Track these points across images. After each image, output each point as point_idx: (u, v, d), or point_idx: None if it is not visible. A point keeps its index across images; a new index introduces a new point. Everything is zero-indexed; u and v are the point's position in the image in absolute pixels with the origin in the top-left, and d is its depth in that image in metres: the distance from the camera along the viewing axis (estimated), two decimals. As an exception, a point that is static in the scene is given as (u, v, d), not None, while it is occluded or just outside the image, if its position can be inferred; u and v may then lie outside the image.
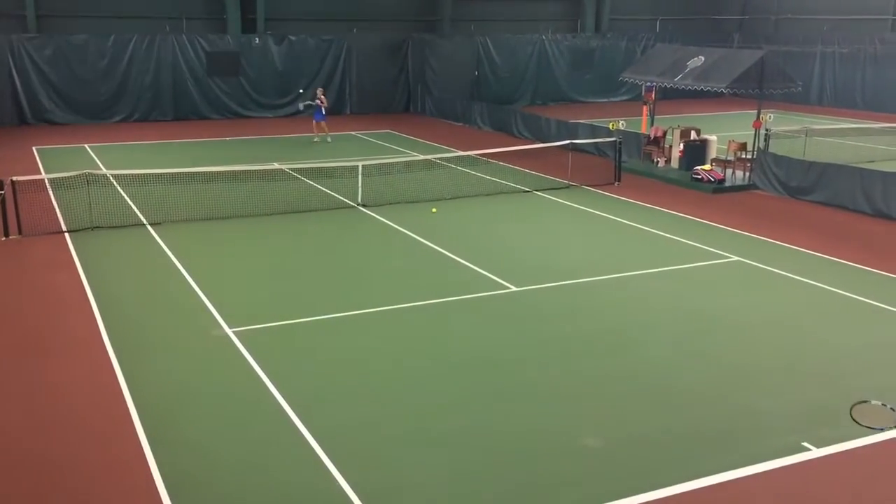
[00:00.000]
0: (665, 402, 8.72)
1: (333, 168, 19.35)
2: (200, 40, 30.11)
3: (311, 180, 19.28)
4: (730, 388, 9.03)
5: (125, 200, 17.15)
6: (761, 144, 19.48)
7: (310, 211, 16.66)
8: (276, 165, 19.77)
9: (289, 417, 8.26)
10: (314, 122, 25.71)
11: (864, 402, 5.42)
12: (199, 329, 10.56)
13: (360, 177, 17.56)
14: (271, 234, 15.26)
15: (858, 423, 5.42)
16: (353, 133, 27.82)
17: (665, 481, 7.15)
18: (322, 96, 25.82)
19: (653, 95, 22.66)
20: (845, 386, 9.08)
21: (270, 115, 31.22)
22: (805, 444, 7.79)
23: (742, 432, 8.08)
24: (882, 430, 5.37)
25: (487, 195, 18.30)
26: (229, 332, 10.43)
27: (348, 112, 32.52)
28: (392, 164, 20.08)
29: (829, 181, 17.57)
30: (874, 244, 14.70)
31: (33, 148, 23.89)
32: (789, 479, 7.30)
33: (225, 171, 18.51)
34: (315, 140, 25.59)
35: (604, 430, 8.10)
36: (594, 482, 7.21)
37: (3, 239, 14.45)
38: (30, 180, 15.79)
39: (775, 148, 19.52)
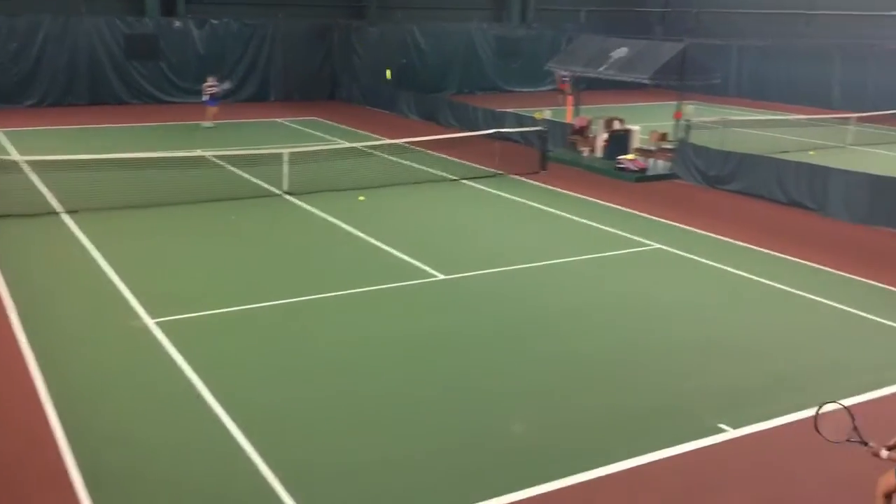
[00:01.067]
0: (586, 388, 8.89)
1: (258, 155, 19.04)
2: (118, 22, 29.16)
3: (235, 168, 18.92)
4: (649, 373, 9.25)
5: (38, 188, 16.52)
6: (682, 135, 19.96)
7: (234, 199, 16.36)
8: (198, 152, 19.32)
9: (211, 408, 8.11)
10: (207, 107, 25.28)
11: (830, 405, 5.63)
12: (117, 320, 10.26)
13: (285, 164, 17.32)
14: (194, 222, 14.93)
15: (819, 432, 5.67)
16: (277, 120, 27.40)
17: (586, 465, 7.29)
18: (215, 82, 25.42)
19: (568, 85, 22.91)
20: (761, 368, 9.41)
21: (192, 101, 30.47)
22: (721, 425, 8.05)
23: (661, 415, 8.29)
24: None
25: (415, 183, 18.28)
26: (150, 322, 10.17)
27: (272, 99, 31.97)
28: (318, 151, 19.85)
29: (747, 171, 18.12)
30: (789, 232, 15.24)
31: (-61, 132, 22.83)
32: (707, 459, 7.52)
33: (145, 158, 18.02)
34: (207, 126, 25.10)
35: (529, 416, 8.21)
36: (520, 468, 7.30)
37: None
38: (-65, 166, 15.09)
39: (695, 138, 20.03)
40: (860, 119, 25.92)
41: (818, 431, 5.57)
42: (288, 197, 16.77)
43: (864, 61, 31.94)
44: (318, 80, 33.14)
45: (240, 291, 11.34)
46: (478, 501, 6.73)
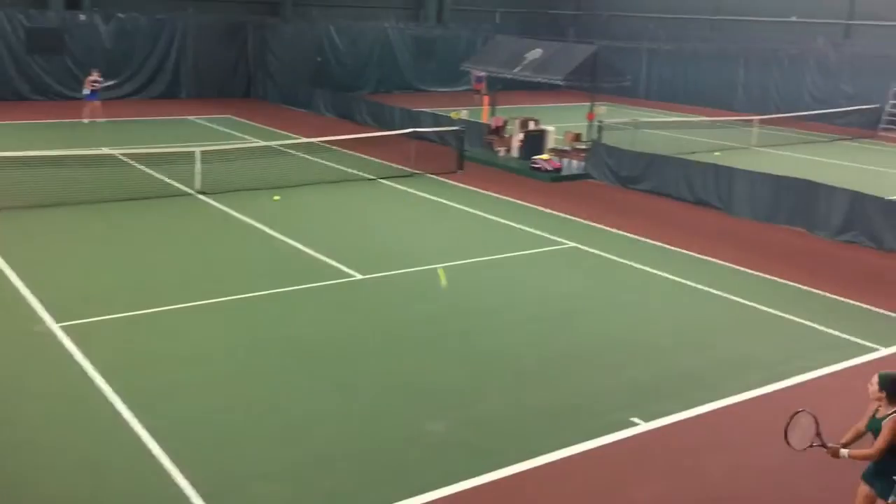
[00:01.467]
0: (502, 386, 8.98)
1: (169, 154, 18.54)
2: (19, 15, 27.93)
3: (144, 166, 18.38)
4: (564, 370, 9.41)
5: (-68, 187, 15.70)
6: (595, 136, 20.37)
7: (144, 198, 15.89)
8: (105, 150, 18.69)
9: (120, 414, 7.86)
10: (88, 102, 24.59)
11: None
12: (19, 325, 9.84)
13: (197, 163, 16.92)
14: (102, 223, 14.43)
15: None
16: (189, 118, 26.76)
17: (503, 461, 7.37)
18: (99, 76, 24.75)
19: (483, 86, 23.10)
20: (672, 363, 9.69)
21: (102, 98, 29.43)
22: (634, 419, 8.25)
23: (575, 411, 8.45)
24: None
25: (331, 183, 18.12)
26: (55, 327, 9.79)
27: (184, 96, 31.17)
28: (232, 150, 19.48)
29: (656, 171, 18.63)
30: (697, 231, 15.73)
31: None
32: (620, 451, 7.70)
33: (49, 157, 17.31)
34: (87, 122, 24.42)
35: (446, 415, 8.24)
36: (438, 466, 7.32)
37: None
38: None
39: (608, 139, 20.47)
40: (763, 121, 26.98)
41: (787, 442, 5.78)
42: (200, 196, 16.39)
43: (766, 65, 33.26)
44: (232, 78, 32.48)
45: (150, 294, 11.02)
46: (397, 501, 6.72)
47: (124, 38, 29.81)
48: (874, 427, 5.85)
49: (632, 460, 7.61)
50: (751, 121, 26.89)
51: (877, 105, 29.50)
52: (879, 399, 5.86)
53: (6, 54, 27.80)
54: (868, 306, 11.81)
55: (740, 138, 25.80)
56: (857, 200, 15.25)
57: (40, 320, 9.98)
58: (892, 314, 11.53)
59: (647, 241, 14.79)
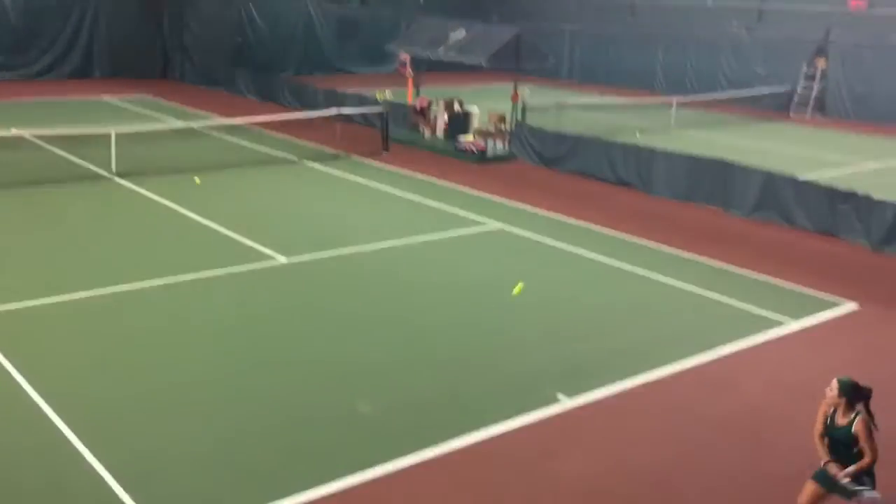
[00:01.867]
0: (428, 367, 9.03)
1: (84, 136, 17.93)
2: (-83, -11, 26.55)
3: (57, 149, 17.72)
4: (490, 350, 9.52)
5: None
6: (519, 117, 20.54)
7: (58, 182, 15.35)
8: (13, 132, 17.94)
9: (37, 404, 7.61)
10: None
11: None
12: (-74, 315, 9.42)
13: (113, 145, 16.41)
14: (11, 208, 13.87)
15: None
16: (104, 98, 25.89)
17: (431, 442, 7.42)
18: None
19: (407, 67, 23.03)
20: (596, 341, 9.90)
21: (7, 77, 28.22)
22: (559, 395, 8.41)
23: (501, 390, 8.55)
24: None
25: (254, 165, 17.82)
26: (-36, 316, 9.40)
27: (98, 75, 30.12)
28: (150, 132, 18.95)
29: (579, 152, 18.90)
30: (619, 211, 16.04)
31: None
32: (545, 428, 7.84)
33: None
34: None
35: (370, 397, 8.24)
36: (365, 447, 7.33)
37: None
38: None
39: (531, 120, 20.66)
40: (681, 103, 27.62)
41: None
42: (118, 179, 15.91)
43: (683, 49, 34.00)
44: (148, 57, 31.49)
45: (65, 280, 10.67)
46: (321, 482, 6.70)
47: (32, 15, 28.58)
48: (839, 434, 5.93)
49: (557, 436, 7.76)
50: (669, 102, 27.50)
51: (788, 87, 30.53)
52: (837, 404, 5.94)
53: None
54: (780, 282, 12.27)
55: (660, 119, 26.36)
56: (770, 180, 15.79)
57: (-52, 310, 9.57)
58: (802, 290, 12.01)
59: (571, 221, 15.03)
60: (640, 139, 21.12)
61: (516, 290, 9.84)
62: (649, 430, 7.97)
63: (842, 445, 5.91)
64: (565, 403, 8.28)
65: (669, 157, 17.40)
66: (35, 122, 20.44)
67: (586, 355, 9.48)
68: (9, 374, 8.19)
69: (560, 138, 19.38)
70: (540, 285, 11.72)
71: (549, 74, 33.99)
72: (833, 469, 5.93)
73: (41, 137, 18.08)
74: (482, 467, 7.17)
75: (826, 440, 6.02)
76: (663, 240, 14.03)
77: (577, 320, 10.51)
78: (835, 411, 5.98)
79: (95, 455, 6.89)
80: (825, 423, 6.02)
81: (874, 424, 5.91)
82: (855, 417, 5.87)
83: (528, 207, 15.78)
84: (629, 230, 14.53)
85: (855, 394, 5.90)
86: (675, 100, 27.57)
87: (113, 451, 6.96)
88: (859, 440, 5.84)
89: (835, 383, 5.97)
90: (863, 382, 6.05)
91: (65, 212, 13.81)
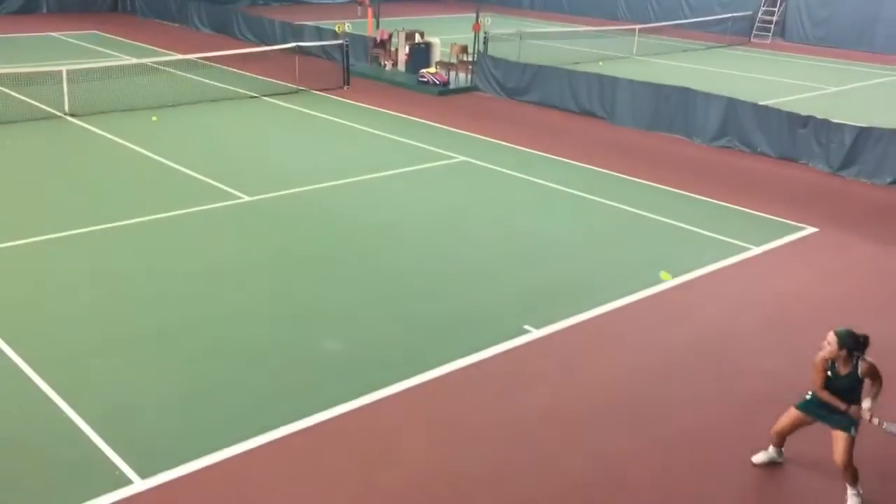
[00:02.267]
0: (395, 301, 9.04)
1: (33, 74, 17.35)
2: None
3: (6, 88, 17.15)
4: (457, 283, 9.55)
5: None
6: (481, 48, 20.25)
7: (7, 122, 14.89)
8: (-40, 71, 17.31)
9: (5, 353, 7.51)
10: None
11: None
12: None
13: (65, 83, 15.91)
14: (-39, 150, 13.48)
15: None
16: (52, 34, 24.99)
17: (400, 375, 7.48)
18: None
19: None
20: (560, 271, 9.97)
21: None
22: (526, 326, 8.49)
23: (469, 322, 8.61)
24: None
25: (212, 101, 17.43)
26: (-82, 263, 9.18)
27: (45, 10, 29.05)
28: (102, 68, 18.39)
29: (542, 82, 18.74)
30: (582, 141, 16.02)
31: None
32: (512, 359, 7.94)
33: None
34: None
35: (342, 334, 8.25)
36: (335, 383, 7.36)
37: None
38: None
39: (494, 51, 20.39)
40: (643, 30, 27.42)
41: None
42: (71, 119, 15.48)
43: (645, -26, 33.59)
44: (97, -10, 30.41)
45: (20, 224, 10.44)
46: (291, 421, 6.75)
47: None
48: (844, 383, 5.92)
49: (525, 367, 7.86)
50: (632, 30, 27.29)
51: (749, 12, 30.42)
52: (837, 356, 5.91)
53: None
54: (742, 208, 12.41)
55: (622, 48, 26.19)
56: (732, 106, 15.83)
57: None
58: (764, 215, 12.17)
59: (535, 152, 14.98)
60: (603, 68, 20.99)
61: (664, 276, 9.69)
62: (615, 359, 8.11)
63: (845, 392, 5.99)
64: (532, 334, 8.37)
65: (632, 85, 17.32)
66: (-20, 60, 19.72)
67: (552, 285, 9.56)
68: (-31, 320, 8.05)
69: (522, 68, 19.17)
70: (503, 217, 11.73)
71: (510, 4, 33.51)
72: (858, 412, 5.93)
73: (-12, 77, 17.47)
74: (449, 398, 7.26)
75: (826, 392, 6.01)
76: (626, 170, 14.07)
77: (541, 250, 10.56)
78: (834, 363, 5.97)
79: (65, 399, 6.84)
80: (826, 376, 5.98)
81: None
82: (856, 362, 5.93)
83: (491, 139, 15.68)
84: (593, 160, 14.53)
85: (854, 343, 5.90)
86: (637, 27, 27.37)
87: (81, 397, 6.91)
88: (872, 377, 5.88)
89: (832, 336, 5.90)
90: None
91: (15, 153, 13.43)
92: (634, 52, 25.92)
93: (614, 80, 17.65)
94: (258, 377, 7.42)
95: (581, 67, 19.89)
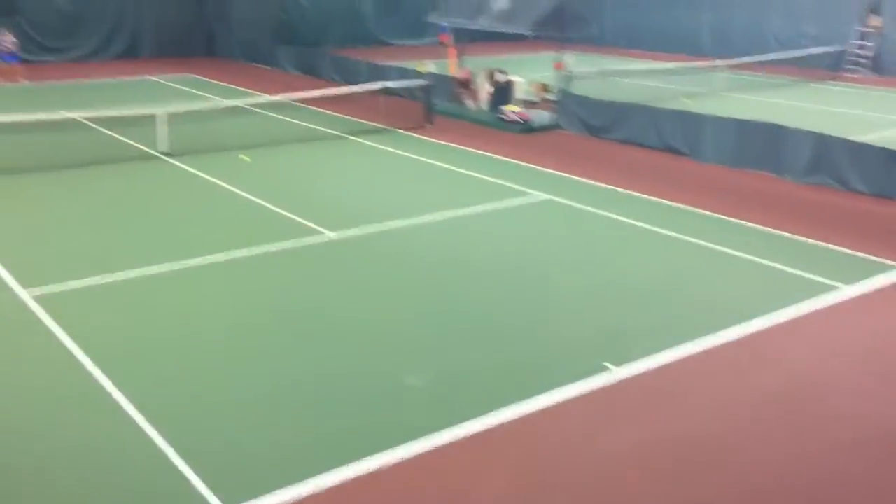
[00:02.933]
0: (480, 338, 9.05)
1: (133, 116, 18.20)
2: (-31, -24, 27.12)
3: (107, 129, 18.05)
4: (537, 320, 9.49)
5: None
6: (564, 85, 20.30)
7: (109, 162, 15.65)
8: (63, 114, 18.29)
9: (98, 383, 7.83)
10: (6, 64, 24.16)
11: None
12: (-11, 295, 9.73)
13: (162, 124, 16.64)
14: (67, 187, 14.21)
15: None
16: (150, 77, 26.23)
17: (481, 413, 7.44)
18: (13, 37, 24.26)
19: (448, 37, 22.85)
20: (644, 310, 9.82)
21: (55, 60, 28.76)
22: (605, 364, 8.37)
23: (550, 361, 8.54)
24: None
25: (300, 141, 17.94)
26: (23, 293, 9.68)
27: (144, 55, 30.54)
28: (196, 110, 19.18)
29: (626, 120, 18.64)
30: (667, 178, 15.82)
31: None
32: (593, 397, 7.82)
33: (7, 123, 16.92)
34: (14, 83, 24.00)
35: (424, 368, 8.30)
36: (416, 419, 7.39)
37: None
38: None
39: (577, 88, 20.41)
40: (729, 66, 27.01)
41: None
42: (166, 158, 16.16)
43: (730, 9, 33.18)
44: (193, 35, 31.83)
45: (118, 258, 10.90)
46: (373, 453, 6.80)
47: (80, -2, 29.07)
48: None
49: (604, 406, 7.74)
50: (716, 66, 26.91)
51: (842, 47, 29.64)
52: None
53: (-44, 17, 26.96)
54: (836, 247, 12.00)
55: (707, 84, 25.83)
56: (823, 142, 15.40)
57: (8, 288, 9.86)
58: (859, 254, 11.74)
59: (619, 189, 14.86)
60: (688, 104, 20.75)
61: (243, 157, 9.58)
62: (699, 402, 7.90)
63: None
64: (613, 373, 8.25)
65: (718, 121, 17.06)
66: (84, 103, 20.80)
67: (635, 324, 9.41)
68: (65, 347, 8.42)
69: (606, 106, 19.12)
70: (586, 254, 11.65)
71: (592, 41, 33.44)
72: None
73: (90, 119, 18.42)
74: (532, 438, 7.19)
75: None
76: (713, 207, 13.81)
77: (624, 288, 10.43)
78: None
79: (155, 427, 7.07)
80: None
81: None
82: None
83: (574, 177, 15.64)
84: (678, 198, 14.31)
85: None
86: (722, 63, 26.98)
87: (172, 425, 7.13)
88: None
89: None
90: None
91: (115, 191, 14.09)
92: (720, 87, 25.54)
93: (699, 117, 17.41)
94: (338, 409, 7.51)
95: (665, 104, 19.70)
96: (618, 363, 8.40)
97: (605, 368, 8.30)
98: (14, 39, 24.28)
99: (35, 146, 15.81)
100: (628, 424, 7.45)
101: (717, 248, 11.89)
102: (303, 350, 8.67)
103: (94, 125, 18.25)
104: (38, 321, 9.06)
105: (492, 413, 7.44)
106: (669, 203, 14.09)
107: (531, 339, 9.04)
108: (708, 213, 13.56)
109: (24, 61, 27.53)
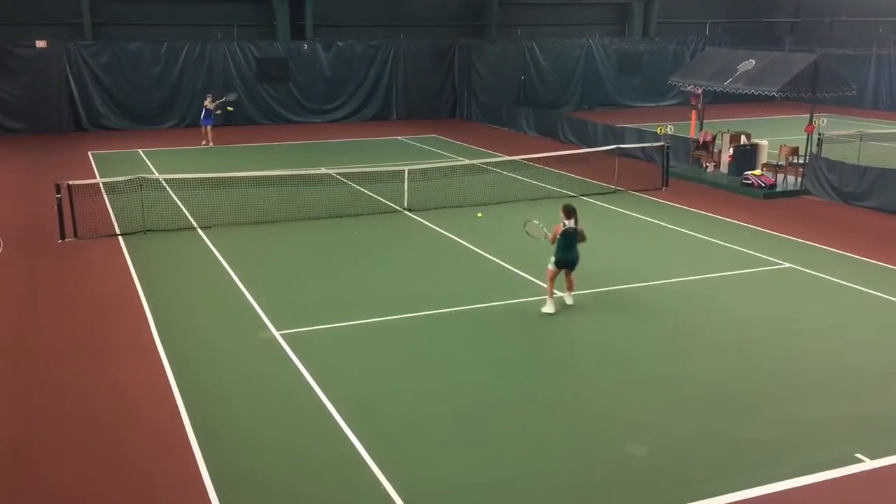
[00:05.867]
0: (714, 410, 8.59)
1: (380, 173, 19.48)
2: (251, 47, 30.54)
3: (357, 185, 19.42)
4: (781, 397, 8.86)
5: (177, 204, 17.47)
6: (814, 149, 19.10)
7: (357, 215, 16.79)
8: (322, 170, 19.96)
9: (333, 417, 8.33)
10: (203, 127, 26.08)
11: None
12: (247, 331, 10.71)
13: (406, 181, 17.64)
14: (318, 237, 15.40)
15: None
16: (399, 138, 27.97)
17: (713, 490, 7.05)
18: (211, 101, 26.13)
19: (699, 99, 22.36)
20: (901, 396, 8.86)
21: (318, 121, 31.56)
22: (859, 455, 7.61)
23: (794, 442, 7.92)
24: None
25: (533, 200, 18.23)
26: (276, 334, 10.56)
27: (395, 117, 32.72)
28: (438, 168, 20.14)
29: (885, 187, 17.14)
30: (932, 251, 14.31)
31: (89, 153, 24.47)
32: (842, 491, 7.13)
33: (273, 176, 18.75)
34: (204, 144, 25.89)
35: (650, 438, 8.01)
36: (638, 490, 7.13)
37: (60, 241, 14.82)
38: (85, 184, 16.18)
39: (828, 153, 19.12)
40: None
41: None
42: (408, 213, 17.06)
43: None
44: (439, 99, 33.68)
45: (362, 305, 11.61)
46: (596, 522, 6.62)
47: (342, 64, 31.78)
48: None
49: (854, 500, 7.01)
50: None
51: None
52: None
53: (240, 83, 30.36)
54: None
55: None
56: None
57: (265, 327, 10.80)
58: None
59: (871, 261, 13.64)
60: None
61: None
62: (970, 504, 6.95)
63: None
64: (865, 464, 7.47)
65: None
66: (340, 161, 22.61)
67: (888, 411, 8.49)
68: (309, 385, 9.05)
69: (862, 171, 17.72)
70: (833, 330, 10.75)
71: (850, 103, 31.26)
72: None
73: (344, 175, 19.93)
74: (766, 524, 6.68)
75: None
76: None
77: (876, 371, 9.47)
78: None
79: (379, 467, 7.38)
80: None
81: None
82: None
83: (822, 246, 14.57)
84: (946, 274, 12.87)
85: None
86: None
87: (396, 467, 7.41)
88: None
89: None
90: None
91: (362, 243, 15.04)
92: None
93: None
94: (559, 473, 7.41)
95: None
96: (871, 455, 7.60)
97: (857, 460, 7.54)
98: (213, 104, 26.55)
99: (294, 198, 17.34)
100: (879, 523, 6.71)
101: None
102: (521, 406, 8.67)
103: (346, 180, 19.70)
104: (286, 357, 9.83)
105: (722, 494, 7.01)
106: (936, 280, 12.70)
107: (770, 417, 8.43)
108: (984, 293, 12.05)
109: (297, 122, 30.40)
